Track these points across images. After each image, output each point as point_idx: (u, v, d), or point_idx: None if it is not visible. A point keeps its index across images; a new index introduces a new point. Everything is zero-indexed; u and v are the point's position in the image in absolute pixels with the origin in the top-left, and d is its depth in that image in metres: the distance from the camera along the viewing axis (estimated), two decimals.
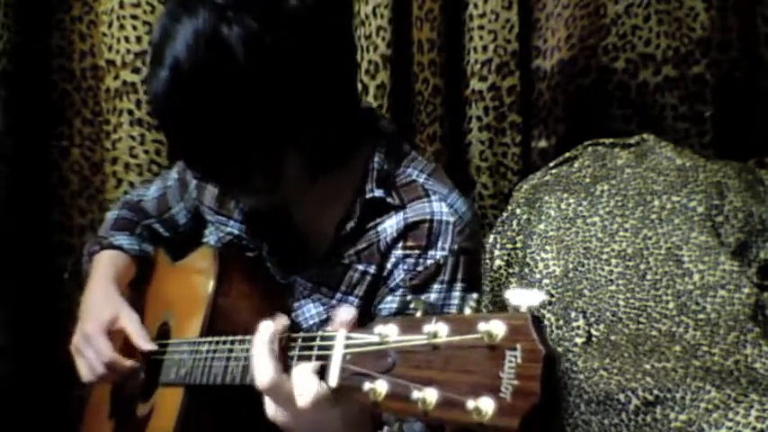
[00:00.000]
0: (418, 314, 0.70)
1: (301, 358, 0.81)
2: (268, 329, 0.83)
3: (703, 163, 1.24)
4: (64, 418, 1.47)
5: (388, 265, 1.04)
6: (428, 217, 1.03)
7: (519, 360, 0.60)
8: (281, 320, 0.84)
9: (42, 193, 1.55)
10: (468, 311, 0.66)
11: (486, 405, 0.60)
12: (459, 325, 0.65)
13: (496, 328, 0.62)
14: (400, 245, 1.03)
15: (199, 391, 1.01)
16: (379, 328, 0.71)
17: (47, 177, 1.55)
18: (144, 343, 1.10)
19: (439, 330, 0.66)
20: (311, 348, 0.80)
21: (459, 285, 1.04)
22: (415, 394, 0.64)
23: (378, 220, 1.05)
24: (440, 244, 1.03)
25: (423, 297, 1.02)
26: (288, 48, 0.88)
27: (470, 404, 0.60)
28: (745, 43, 1.37)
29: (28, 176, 1.53)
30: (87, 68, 1.53)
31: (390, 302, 1.03)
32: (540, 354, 0.59)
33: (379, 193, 1.04)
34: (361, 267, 1.06)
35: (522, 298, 0.62)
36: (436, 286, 1.03)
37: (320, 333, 0.80)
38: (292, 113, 0.91)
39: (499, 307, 1.06)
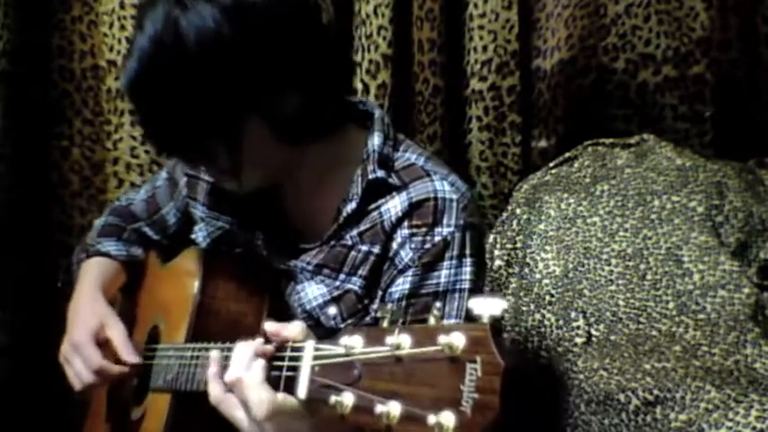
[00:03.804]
0: (385, 323, 0.70)
1: (273, 369, 0.81)
2: (248, 347, 0.84)
3: (703, 163, 1.24)
4: (64, 419, 1.47)
5: (394, 245, 1.04)
6: (432, 195, 1.04)
7: (479, 373, 0.59)
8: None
9: (43, 192, 1.54)
10: (432, 321, 0.66)
11: (448, 419, 0.59)
12: (421, 336, 0.64)
13: (457, 339, 0.61)
14: (406, 224, 1.04)
15: (186, 396, 1.02)
16: (345, 339, 0.70)
17: (47, 177, 1.55)
18: (128, 355, 1.10)
19: (402, 342, 0.65)
20: (282, 359, 0.81)
21: (468, 260, 1.04)
22: (379, 408, 0.64)
23: (380, 201, 1.06)
24: (446, 221, 1.03)
25: (434, 275, 1.03)
26: (243, 38, 0.92)
27: (432, 419, 0.60)
28: (745, 43, 1.37)
29: (28, 176, 1.53)
30: (88, 69, 1.53)
31: (402, 284, 1.03)
32: (499, 367, 0.59)
33: (380, 173, 1.05)
34: (364, 248, 1.06)
35: (484, 307, 0.62)
36: (446, 263, 1.03)
37: (290, 344, 0.80)
38: (243, 96, 0.95)
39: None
